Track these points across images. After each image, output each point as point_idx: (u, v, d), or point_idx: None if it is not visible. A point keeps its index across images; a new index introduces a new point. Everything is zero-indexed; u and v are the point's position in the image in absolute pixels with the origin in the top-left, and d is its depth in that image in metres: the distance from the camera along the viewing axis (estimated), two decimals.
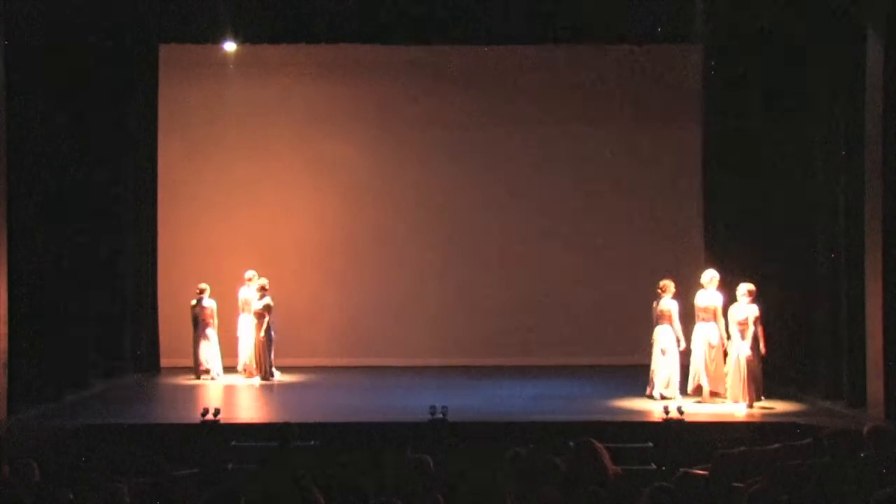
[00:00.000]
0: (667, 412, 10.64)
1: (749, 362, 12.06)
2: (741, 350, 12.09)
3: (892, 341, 11.22)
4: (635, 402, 12.55)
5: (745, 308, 12.14)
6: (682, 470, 7.15)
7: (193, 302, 14.68)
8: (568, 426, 10.57)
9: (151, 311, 15.51)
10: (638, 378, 13.21)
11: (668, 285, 12.89)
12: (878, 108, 11.40)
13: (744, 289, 12.20)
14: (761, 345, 12.16)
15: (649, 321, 13.02)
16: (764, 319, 12.27)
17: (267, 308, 14.43)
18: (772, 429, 10.76)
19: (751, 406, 11.99)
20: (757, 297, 12.27)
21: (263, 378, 14.38)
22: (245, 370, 14.66)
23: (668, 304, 12.85)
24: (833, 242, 12.80)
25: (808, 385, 13.21)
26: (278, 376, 14.60)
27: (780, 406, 12.29)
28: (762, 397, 12.23)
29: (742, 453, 8.53)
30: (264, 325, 14.39)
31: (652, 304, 12.98)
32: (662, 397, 12.54)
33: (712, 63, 15.29)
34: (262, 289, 14.47)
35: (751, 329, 12.04)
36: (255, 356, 14.51)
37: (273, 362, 14.61)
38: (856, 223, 12.01)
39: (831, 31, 12.55)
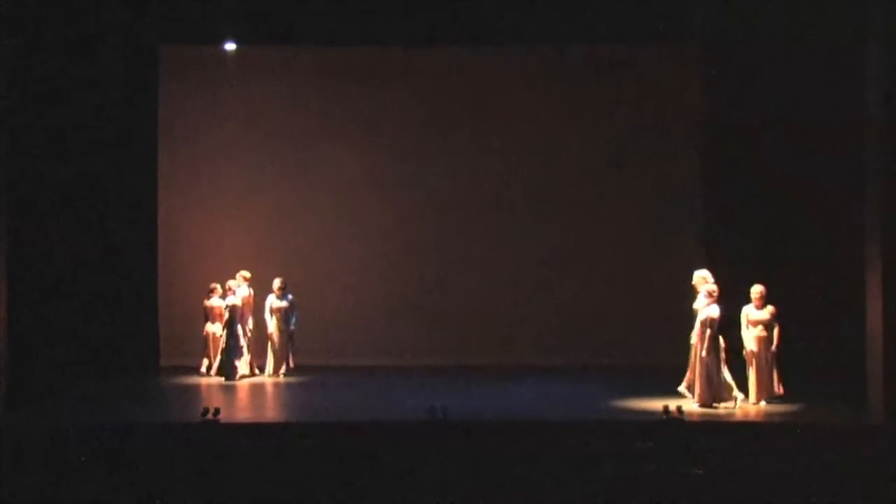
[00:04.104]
0: (666, 412, 10.63)
1: (705, 365, 11.88)
2: (699, 352, 11.96)
3: (893, 341, 11.21)
4: (635, 401, 12.53)
5: (707, 309, 11.98)
6: (681, 470, 7.16)
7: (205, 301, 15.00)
8: (568, 426, 10.57)
9: (151, 310, 15.51)
10: (637, 378, 13.19)
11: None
12: (879, 107, 11.41)
13: (704, 290, 12.07)
14: (765, 346, 12.17)
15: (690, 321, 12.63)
16: (780, 319, 12.24)
17: (233, 309, 14.46)
18: (771, 429, 10.74)
19: (706, 406, 11.76)
20: (765, 299, 12.25)
21: (226, 378, 14.31)
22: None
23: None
24: (833, 242, 12.79)
25: (809, 385, 13.19)
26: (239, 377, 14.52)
27: (779, 406, 12.26)
28: (720, 401, 11.86)
29: (741, 454, 8.54)
30: (228, 325, 14.41)
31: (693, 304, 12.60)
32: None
33: (712, 62, 15.28)
34: (228, 289, 14.58)
35: (707, 331, 11.87)
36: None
37: (259, 363, 14.84)
38: (856, 223, 12.00)
39: (831, 31, 12.54)
